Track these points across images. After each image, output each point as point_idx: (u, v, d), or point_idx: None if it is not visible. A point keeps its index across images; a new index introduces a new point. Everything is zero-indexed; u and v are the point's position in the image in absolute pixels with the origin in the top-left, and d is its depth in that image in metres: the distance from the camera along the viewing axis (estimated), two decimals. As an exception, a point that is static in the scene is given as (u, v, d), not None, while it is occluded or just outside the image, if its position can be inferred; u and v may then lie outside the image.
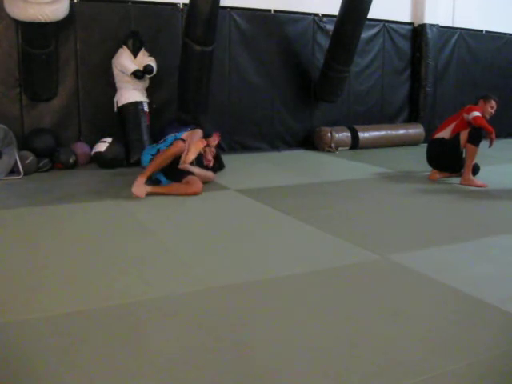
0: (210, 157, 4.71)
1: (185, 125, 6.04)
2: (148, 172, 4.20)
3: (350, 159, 6.50)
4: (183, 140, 4.43)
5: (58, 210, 3.80)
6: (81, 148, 5.71)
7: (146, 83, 5.90)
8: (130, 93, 5.70)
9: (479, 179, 4.90)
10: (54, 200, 4.08)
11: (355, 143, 7.30)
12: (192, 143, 4.49)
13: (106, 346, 1.86)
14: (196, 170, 4.50)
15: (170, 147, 4.36)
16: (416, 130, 7.85)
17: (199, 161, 4.70)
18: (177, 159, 4.40)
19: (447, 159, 5.02)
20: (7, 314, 2.11)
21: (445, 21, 8.21)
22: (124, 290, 2.36)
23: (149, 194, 4.11)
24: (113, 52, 5.74)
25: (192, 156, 4.44)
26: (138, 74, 5.59)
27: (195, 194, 4.20)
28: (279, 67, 7.05)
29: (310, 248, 3.02)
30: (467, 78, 8.59)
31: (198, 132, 4.73)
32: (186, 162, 4.40)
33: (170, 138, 4.75)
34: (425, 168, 5.36)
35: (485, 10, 8.62)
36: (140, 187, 4.05)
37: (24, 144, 5.34)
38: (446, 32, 8.26)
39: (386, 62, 7.91)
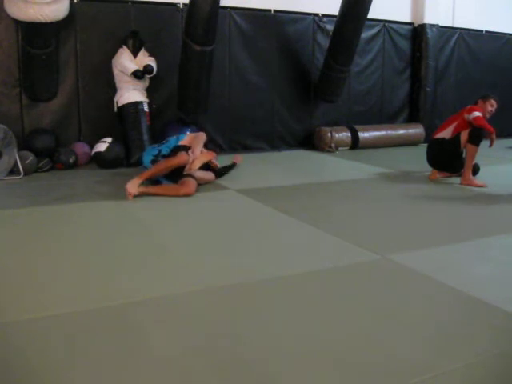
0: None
1: (185, 125, 6.05)
2: (146, 175, 4.21)
3: (349, 159, 6.50)
4: (187, 151, 4.43)
5: (58, 210, 3.80)
6: (81, 148, 5.71)
7: (146, 83, 5.90)
8: (130, 93, 5.70)
9: (479, 179, 4.91)
10: (54, 200, 4.08)
11: (355, 143, 7.29)
12: (201, 154, 4.54)
13: (105, 345, 1.86)
14: (197, 173, 4.50)
15: (175, 158, 4.35)
16: (416, 130, 7.84)
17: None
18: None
19: (447, 159, 5.02)
20: (7, 313, 2.11)
21: (445, 21, 8.20)
22: (124, 289, 2.36)
23: (147, 194, 4.11)
24: (113, 52, 5.74)
25: (198, 165, 4.49)
26: (137, 74, 5.59)
27: (186, 194, 4.19)
28: (279, 67, 7.04)
29: (310, 248, 3.02)
30: (467, 78, 8.58)
31: (202, 136, 4.75)
32: (192, 169, 4.42)
33: (172, 139, 4.75)
34: (425, 168, 5.36)
35: (485, 10, 8.62)
36: (134, 186, 4.06)
37: (24, 144, 5.34)
38: (446, 32, 8.25)
39: (386, 62, 7.91)
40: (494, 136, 4.76)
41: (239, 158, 5.51)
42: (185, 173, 4.38)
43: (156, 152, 4.64)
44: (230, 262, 2.76)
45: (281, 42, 7.00)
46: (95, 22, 5.82)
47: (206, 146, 4.77)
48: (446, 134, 4.97)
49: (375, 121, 7.85)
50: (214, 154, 4.76)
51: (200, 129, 5.91)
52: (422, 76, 7.96)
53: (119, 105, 5.72)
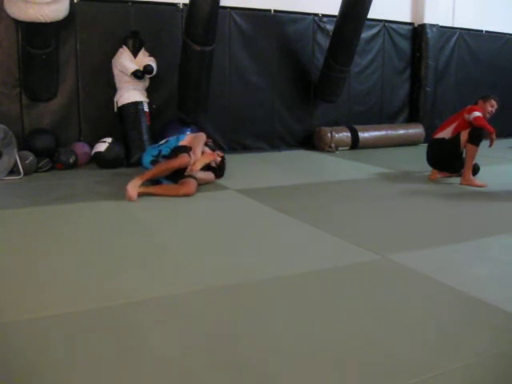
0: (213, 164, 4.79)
1: (185, 125, 6.05)
2: (147, 176, 4.20)
3: (350, 159, 6.50)
4: (188, 153, 4.42)
5: (58, 210, 3.80)
6: (81, 148, 5.71)
7: (146, 83, 5.90)
8: (130, 93, 5.70)
9: (479, 179, 4.91)
10: (54, 200, 4.08)
11: (355, 143, 7.30)
12: (202, 155, 4.55)
13: (105, 345, 1.86)
14: (197, 173, 4.50)
15: (176, 160, 4.33)
16: (416, 130, 7.85)
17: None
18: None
19: (447, 159, 5.02)
20: (7, 313, 2.11)
21: (445, 21, 8.21)
22: (124, 290, 2.36)
23: (146, 194, 4.11)
24: (113, 52, 5.74)
25: (199, 166, 4.49)
26: (137, 74, 5.59)
27: (186, 194, 4.19)
28: (279, 67, 7.04)
29: (310, 248, 3.02)
30: (467, 78, 8.59)
31: (202, 136, 4.74)
32: (193, 171, 4.42)
33: (172, 139, 4.74)
34: (425, 168, 5.36)
35: (485, 10, 8.62)
36: (134, 188, 4.04)
37: (24, 144, 5.33)
38: (446, 32, 8.25)
39: (386, 62, 7.91)
40: (493, 136, 4.76)
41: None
42: (186, 174, 4.38)
43: (156, 152, 4.64)
44: (230, 262, 2.76)
45: (281, 41, 7.00)
46: (95, 22, 5.82)
47: (206, 144, 4.76)
48: (445, 134, 4.97)
49: (375, 121, 7.85)
50: (214, 154, 4.75)
51: (200, 129, 5.92)
52: (422, 76, 7.96)
53: (119, 105, 5.72)
